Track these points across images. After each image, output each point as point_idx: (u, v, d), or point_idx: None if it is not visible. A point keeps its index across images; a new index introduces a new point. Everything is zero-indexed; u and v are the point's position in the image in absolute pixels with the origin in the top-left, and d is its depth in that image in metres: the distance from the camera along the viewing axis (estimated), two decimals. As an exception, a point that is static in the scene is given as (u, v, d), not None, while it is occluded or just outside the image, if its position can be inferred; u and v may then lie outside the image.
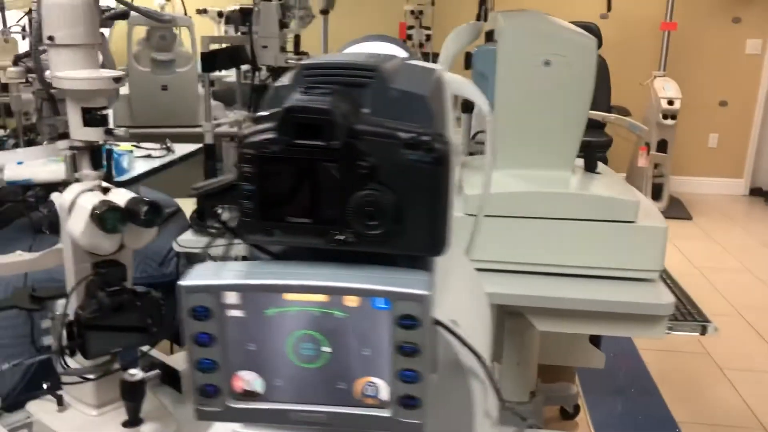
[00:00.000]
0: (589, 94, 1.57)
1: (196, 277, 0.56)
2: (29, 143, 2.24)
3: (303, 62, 0.61)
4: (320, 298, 0.55)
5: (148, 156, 2.39)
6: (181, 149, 2.47)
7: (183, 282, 0.55)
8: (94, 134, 1.19)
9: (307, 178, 0.55)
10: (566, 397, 2.43)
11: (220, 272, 0.57)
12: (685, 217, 4.88)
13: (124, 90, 3.15)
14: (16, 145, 2.33)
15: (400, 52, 0.82)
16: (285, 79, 0.61)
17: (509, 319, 1.76)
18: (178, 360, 1.48)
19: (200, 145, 2.31)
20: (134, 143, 2.40)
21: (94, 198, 1.05)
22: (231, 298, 0.55)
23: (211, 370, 0.57)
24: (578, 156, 1.66)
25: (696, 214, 4.97)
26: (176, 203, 2.42)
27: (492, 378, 0.75)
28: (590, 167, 1.70)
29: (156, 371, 1.45)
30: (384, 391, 0.57)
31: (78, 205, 1.07)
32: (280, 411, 0.58)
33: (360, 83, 0.58)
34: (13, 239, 2.13)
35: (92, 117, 1.19)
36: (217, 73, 3.36)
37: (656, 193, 4.82)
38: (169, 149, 2.47)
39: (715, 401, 2.64)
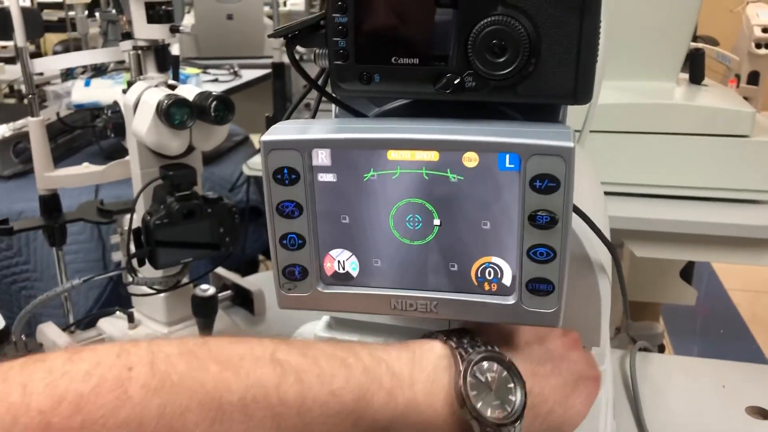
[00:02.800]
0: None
1: (281, 131, 0.46)
2: (95, 68, 2.19)
3: None
4: (431, 156, 0.44)
5: (215, 80, 2.31)
6: (249, 75, 2.38)
7: (265, 137, 0.45)
8: (159, 32, 1.10)
9: (415, 4, 0.44)
10: (651, 336, 2.29)
11: (311, 127, 0.46)
12: (776, 156, 4.57)
13: (189, 20, 3.09)
14: (83, 73, 2.29)
15: None
16: None
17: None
18: (251, 281, 1.41)
19: (268, 71, 2.21)
20: (201, 69, 2.32)
21: (160, 93, 0.97)
22: (322, 157, 0.45)
23: (298, 246, 0.47)
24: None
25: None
26: (243, 131, 2.35)
27: (621, 276, 0.63)
28: (696, 79, 1.53)
29: (228, 292, 1.39)
30: (507, 274, 0.46)
31: (143, 101, 0.98)
32: (380, 297, 0.48)
33: None
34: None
35: (156, 13, 1.09)
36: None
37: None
38: (236, 74, 2.38)
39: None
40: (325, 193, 0.46)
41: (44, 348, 1.15)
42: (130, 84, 1.08)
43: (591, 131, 1.33)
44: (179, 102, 0.94)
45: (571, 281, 0.51)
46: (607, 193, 1.39)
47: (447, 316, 0.47)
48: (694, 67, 1.51)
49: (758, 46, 4.34)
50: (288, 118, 0.50)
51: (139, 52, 1.12)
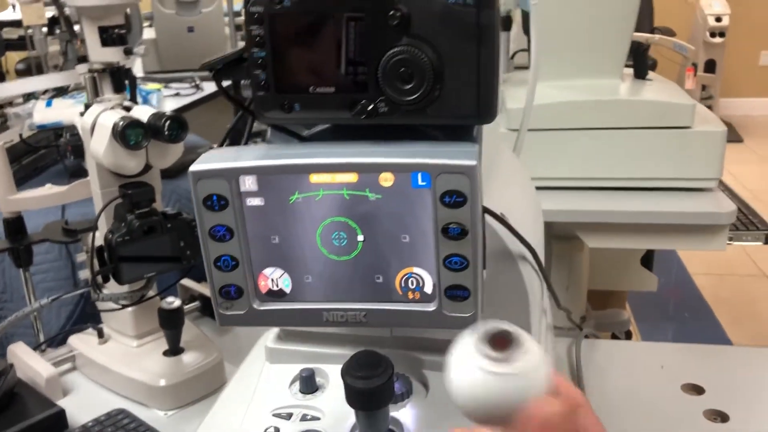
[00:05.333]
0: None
1: (208, 160, 0.49)
2: (58, 90, 2.19)
3: None
4: (350, 178, 0.48)
5: (177, 94, 2.33)
6: (210, 87, 2.40)
7: (194, 167, 0.48)
8: (113, 54, 1.12)
9: (327, 38, 0.47)
10: (618, 323, 2.35)
11: (237, 155, 0.50)
12: (735, 140, 4.67)
13: (150, 34, 3.09)
14: (45, 92, 2.30)
15: None
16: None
17: (557, 242, 1.67)
18: (217, 291, 1.44)
19: (229, 83, 2.24)
20: (163, 83, 2.34)
21: (115, 115, 0.99)
22: (249, 183, 0.49)
23: (232, 267, 0.51)
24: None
25: (747, 137, 4.75)
26: (208, 142, 2.37)
27: (544, 271, 0.68)
28: (640, 73, 1.58)
29: (196, 303, 1.42)
30: (428, 283, 0.50)
31: (99, 123, 1.01)
32: (312, 311, 0.51)
33: None
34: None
35: (110, 36, 1.12)
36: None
37: (705, 116, 4.59)
38: (198, 87, 2.40)
39: (776, 322, 2.54)
40: (254, 216, 0.49)
41: (14, 368, 1.17)
42: (87, 106, 1.11)
43: (541, 129, 1.38)
44: (133, 123, 0.97)
45: (498, 277, 0.55)
46: (557, 188, 1.46)
47: (376, 326, 0.51)
48: (638, 63, 1.57)
49: (713, 35, 4.46)
50: (221, 145, 0.54)
51: (95, 75, 1.14)
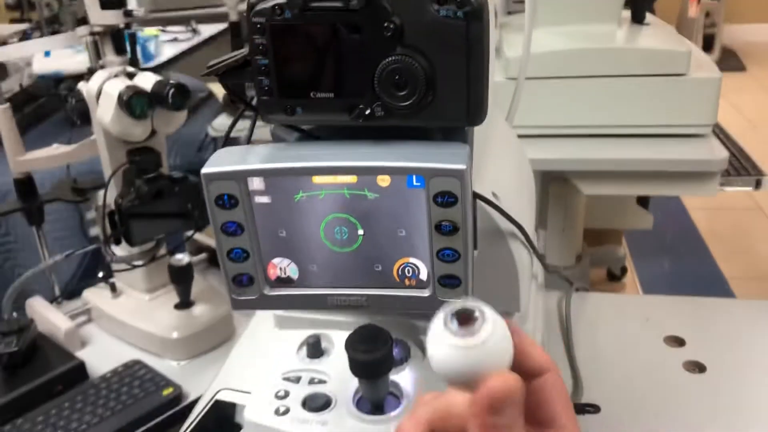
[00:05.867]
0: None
1: (218, 163, 0.53)
2: (53, 34, 2.18)
3: None
4: (349, 179, 0.51)
5: (175, 40, 2.32)
6: (207, 30, 2.39)
7: (205, 169, 0.52)
8: (113, 17, 1.14)
9: (326, 47, 0.50)
10: (613, 260, 2.41)
11: (245, 157, 0.53)
12: (738, 68, 4.63)
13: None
14: (40, 37, 2.29)
15: None
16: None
17: (553, 184, 1.71)
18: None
19: (226, 25, 2.23)
20: (159, 27, 2.33)
21: (120, 84, 1.02)
22: (256, 183, 0.52)
23: (243, 259, 0.55)
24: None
25: (750, 65, 4.71)
26: (207, 87, 2.37)
27: (534, 246, 0.72)
28: (638, 18, 1.58)
29: (203, 255, 1.47)
30: (423, 271, 0.54)
31: (104, 92, 1.04)
32: (318, 296, 0.56)
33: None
34: (51, 133, 2.14)
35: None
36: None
37: (707, 45, 4.55)
38: (195, 31, 2.39)
39: (768, 255, 2.60)
40: (262, 212, 0.54)
41: (35, 323, 1.23)
42: (91, 71, 1.13)
43: (536, 78, 1.40)
44: (138, 93, 1.00)
45: (488, 252, 0.60)
46: (553, 136, 1.48)
47: (376, 309, 0.56)
48: (635, 8, 1.57)
49: (716, -39, 4.36)
50: (224, 144, 0.57)
51: (96, 37, 1.16)
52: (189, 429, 0.85)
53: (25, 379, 1.11)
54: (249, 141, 0.58)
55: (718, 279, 2.45)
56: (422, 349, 0.71)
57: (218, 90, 2.32)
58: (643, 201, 2.17)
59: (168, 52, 2.17)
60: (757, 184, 1.50)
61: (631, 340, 0.93)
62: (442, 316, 0.39)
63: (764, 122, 3.71)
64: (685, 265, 2.59)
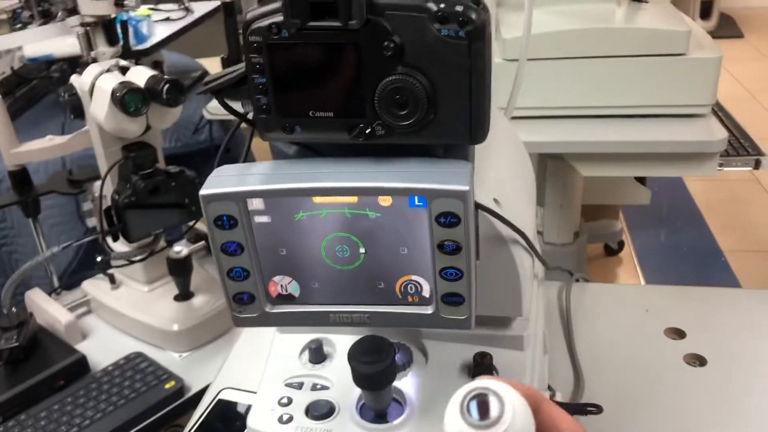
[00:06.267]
0: None
1: (217, 184, 0.52)
2: (44, 15, 2.15)
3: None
4: (350, 199, 0.51)
5: (167, 19, 2.28)
6: (200, 8, 2.35)
7: (204, 191, 0.51)
8: (104, 7, 1.12)
9: (325, 66, 0.49)
10: (610, 234, 2.42)
11: (243, 177, 0.53)
12: (736, 35, 4.58)
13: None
14: (31, 17, 2.25)
15: None
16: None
17: (551, 162, 1.71)
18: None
19: (219, 2, 2.19)
20: (151, 6, 2.29)
21: (113, 80, 1.00)
22: (256, 204, 0.52)
23: (243, 277, 0.55)
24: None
25: (748, 32, 4.66)
26: (202, 66, 2.34)
27: (535, 250, 0.71)
28: (637, -5, 1.56)
29: (201, 243, 1.47)
30: (426, 288, 0.54)
31: (98, 88, 1.02)
32: (319, 313, 0.56)
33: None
34: (44, 117, 2.11)
35: (98, -11, 1.11)
36: None
37: (705, 12, 4.50)
38: (188, 9, 2.35)
39: (764, 227, 2.60)
40: (262, 232, 0.53)
41: (34, 316, 1.23)
42: (83, 64, 1.11)
43: (534, 59, 1.38)
44: (132, 90, 0.98)
45: (489, 258, 0.59)
46: (551, 117, 1.47)
47: (378, 326, 0.56)
48: (634, -16, 1.54)
49: None
50: (218, 163, 0.56)
51: (87, 28, 1.14)
52: (194, 428, 0.86)
53: (27, 375, 1.11)
54: (245, 159, 0.57)
55: (714, 251, 2.46)
56: (424, 353, 0.71)
57: (213, 67, 2.29)
58: (640, 176, 2.17)
59: (161, 32, 2.13)
60: (756, 164, 1.50)
61: (631, 333, 0.93)
62: (459, 402, 0.38)
63: (763, 91, 3.69)
64: (681, 238, 2.60)
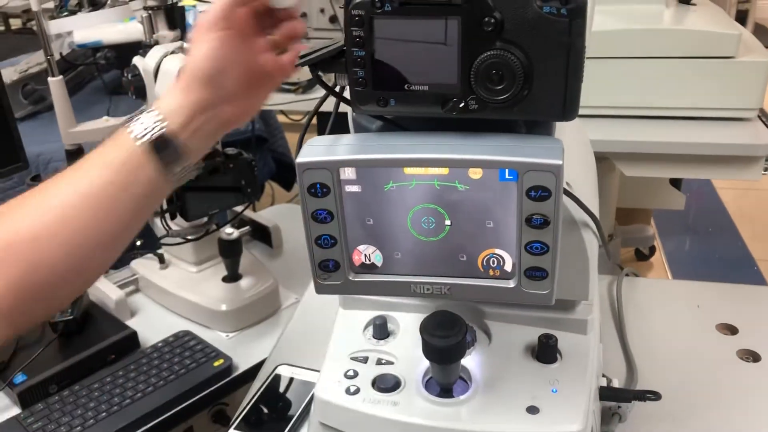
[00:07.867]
0: None
1: (312, 153, 0.54)
2: (92, 3, 2.18)
3: None
4: (441, 171, 0.52)
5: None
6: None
7: (300, 159, 0.53)
8: (167, -9, 1.14)
9: (425, 40, 0.51)
10: (642, 239, 2.41)
11: (336, 147, 0.54)
12: (772, 44, 4.54)
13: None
14: (78, 5, 2.29)
15: None
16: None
17: (591, 162, 1.71)
18: (267, 217, 1.51)
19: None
20: (195, -5, 2.32)
21: (179, 62, 1.03)
22: (348, 173, 0.53)
23: (331, 245, 0.56)
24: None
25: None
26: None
27: (603, 238, 0.73)
28: (685, -3, 1.56)
29: (247, 227, 1.49)
30: (508, 262, 0.55)
31: (163, 69, 1.05)
32: (401, 283, 0.57)
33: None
34: (90, 102, 2.15)
35: (162, -27, 1.13)
36: None
37: (740, 21, 4.46)
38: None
39: (798, 237, 2.58)
40: (352, 201, 0.55)
41: (87, 292, 1.26)
42: (146, 46, 1.14)
43: (586, 58, 1.39)
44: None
45: (561, 241, 0.61)
46: (599, 116, 1.48)
47: (458, 298, 0.57)
48: (683, -13, 1.55)
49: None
50: (305, 130, 0.58)
51: (150, 12, 1.16)
52: (252, 401, 0.87)
53: (81, 347, 1.13)
54: (329, 131, 0.59)
55: (747, 260, 2.45)
56: (487, 333, 0.72)
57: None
58: (675, 181, 2.16)
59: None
60: (802, 169, 1.49)
61: (683, 327, 0.94)
62: None
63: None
64: (713, 245, 2.59)
